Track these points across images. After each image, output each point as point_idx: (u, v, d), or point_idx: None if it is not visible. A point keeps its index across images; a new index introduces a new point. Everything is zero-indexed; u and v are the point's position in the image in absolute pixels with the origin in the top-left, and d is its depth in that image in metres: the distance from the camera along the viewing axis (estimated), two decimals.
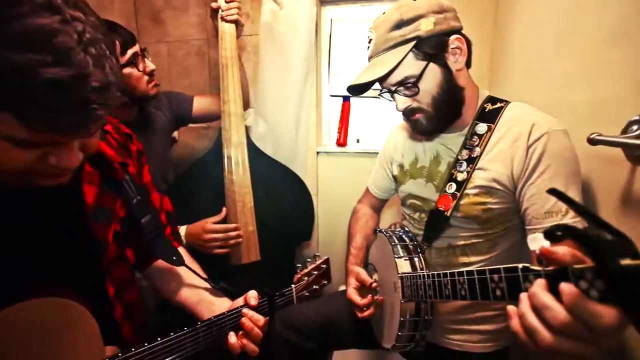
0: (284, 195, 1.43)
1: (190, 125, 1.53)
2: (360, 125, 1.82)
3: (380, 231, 1.04)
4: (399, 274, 0.88)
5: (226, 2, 1.24)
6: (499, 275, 0.50)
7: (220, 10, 1.25)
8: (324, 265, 1.03)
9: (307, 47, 1.54)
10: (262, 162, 1.39)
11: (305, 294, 0.97)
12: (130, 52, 1.15)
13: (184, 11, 1.71)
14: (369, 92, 1.00)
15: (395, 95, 0.92)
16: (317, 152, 1.75)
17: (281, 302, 0.90)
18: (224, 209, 1.26)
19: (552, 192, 0.42)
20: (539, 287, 0.41)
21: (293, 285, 0.95)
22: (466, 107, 0.94)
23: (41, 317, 0.55)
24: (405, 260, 0.91)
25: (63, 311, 0.56)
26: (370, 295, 1.00)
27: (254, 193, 1.27)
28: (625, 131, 0.72)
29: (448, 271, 0.66)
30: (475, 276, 0.55)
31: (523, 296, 0.43)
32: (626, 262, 0.33)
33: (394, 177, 1.15)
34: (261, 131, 1.60)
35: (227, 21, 1.25)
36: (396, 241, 0.96)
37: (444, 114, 0.92)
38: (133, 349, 0.63)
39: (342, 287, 1.51)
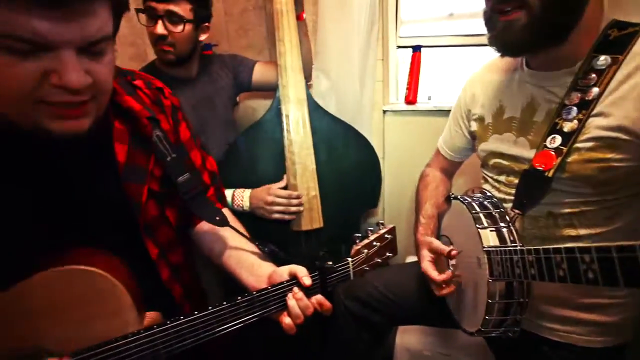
0: (349, 158, 1.31)
1: None
2: (432, 81, 1.59)
3: (456, 197, 0.88)
4: (484, 247, 0.73)
5: None
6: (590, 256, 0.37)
7: None
8: (389, 236, 0.86)
9: None
10: (324, 122, 1.27)
11: (364, 269, 0.84)
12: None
13: None
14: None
15: None
16: (384, 111, 1.58)
17: (335, 279, 0.78)
18: (285, 177, 1.19)
19: None
20: None
21: (350, 259, 0.81)
22: (579, 33, 0.70)
23: (69, 285, 0.55)
24: (491, 231, 0.75)
25: (91, 281, 0.55)
26: (449, 270, 0.86)
27: (316, 155, 1.18)
28: None
29: (551, 247, 0.51)
30: (577, 254, 0.41)
31: None
32: None
33: (472, 133, 0.96)
34: (323, 88, 1.47)
35: None
36: (477, 209, 0.80)
37: (549, 23, 0.67)
38: (169, 322, 0.60)
39: (410, 258, 1.38)
